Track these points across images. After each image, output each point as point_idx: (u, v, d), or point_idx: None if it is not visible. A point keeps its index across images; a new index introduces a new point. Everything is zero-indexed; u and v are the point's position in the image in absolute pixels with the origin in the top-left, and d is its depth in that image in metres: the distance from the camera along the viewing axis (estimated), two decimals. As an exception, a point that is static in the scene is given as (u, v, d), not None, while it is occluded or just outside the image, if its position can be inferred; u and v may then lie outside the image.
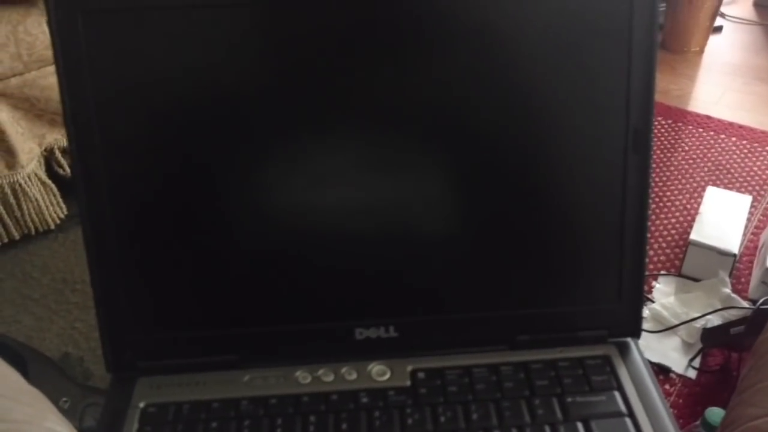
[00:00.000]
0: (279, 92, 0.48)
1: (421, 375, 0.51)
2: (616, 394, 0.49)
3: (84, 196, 0.48)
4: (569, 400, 0.49)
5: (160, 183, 0.49)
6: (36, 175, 1.11)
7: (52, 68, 1.08)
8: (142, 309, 0.50)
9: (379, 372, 0.51)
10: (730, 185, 1.20)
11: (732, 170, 1.25)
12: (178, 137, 0.48)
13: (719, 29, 1.89)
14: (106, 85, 0.46)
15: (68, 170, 1.16)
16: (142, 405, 0.49)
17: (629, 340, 0.53)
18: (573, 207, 0.51)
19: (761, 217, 1.11)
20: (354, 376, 0.51)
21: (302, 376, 0.51)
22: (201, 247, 0.50)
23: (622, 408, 0.48)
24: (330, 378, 0.51)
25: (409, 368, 0.51)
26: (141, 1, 0.45)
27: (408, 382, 0.50)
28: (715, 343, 0.85)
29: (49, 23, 0.44)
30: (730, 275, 0.94)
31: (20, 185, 1.08)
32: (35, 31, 1.02)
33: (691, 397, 0.81)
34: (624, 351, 0.52)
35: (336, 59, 0.48)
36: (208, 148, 0.48)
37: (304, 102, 0.48)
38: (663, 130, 1.38)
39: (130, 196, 0.48)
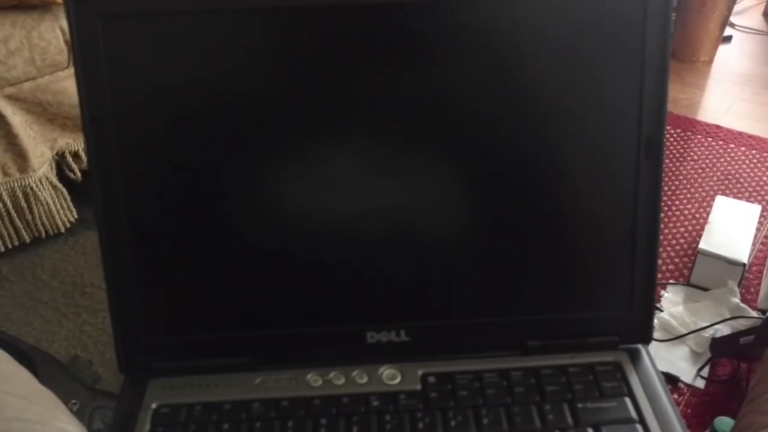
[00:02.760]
0: (292, 97, 0.48)
1: (431, 379, 0.51)
2: (627, 400, 0.49)
3: (100, 198, 0.48)
4: (580, 405, 0.49)
5: (175, 186, 0.49)
6: (47, 178, 1.12)
7: (64, 73, 1.09)
8: (155, 311, 0.51)
9: (390, 376, 0.51)
10: (740, 195, 1.20)
11: (741, 180, 1.25)
12: (193, 141, 0.48)
13: (729, 39, 1.89)
14: (123, 88, 0.47)
15: (79, 174, 1.17)
16: (154, 406, 0.49)
17: (640, 346, 0.53)
18: (585, 213, 0.51)
19: (771, 227, 1.10)
20: (365, 379, 0.51)
21: (313, 379, 0.51)
22: (214, 250, 0.50)
23: (633, 414, 0.48)
24: (341, 381, 0.51)
25: (420, 372, 0.51)
26: (158, 6, 0.46)
27: (419, 386, 0.50)
28: (724, 352, 0.85)
29: (69, 27, 0.45)
30: (740, 285, 0.94)
31: (32, 189, 1.09)
32: (49, 36, 1.03)
33: (699, 407, 0.81)
34: (635, 357, 0.52)
35: (349, 66, 0.48)
36: (222, 153, 0.49)
37: (320, 108, 0.48)
38: (672, 140, 1.38)
39: (146, 199, 0.49)
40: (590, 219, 0.51)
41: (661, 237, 1.09)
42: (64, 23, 1.04)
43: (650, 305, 0.52)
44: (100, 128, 0.47)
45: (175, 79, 0.47)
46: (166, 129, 0.48)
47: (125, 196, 0.48)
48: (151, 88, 0.47)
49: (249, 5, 0.47)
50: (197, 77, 0.47)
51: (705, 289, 0.97)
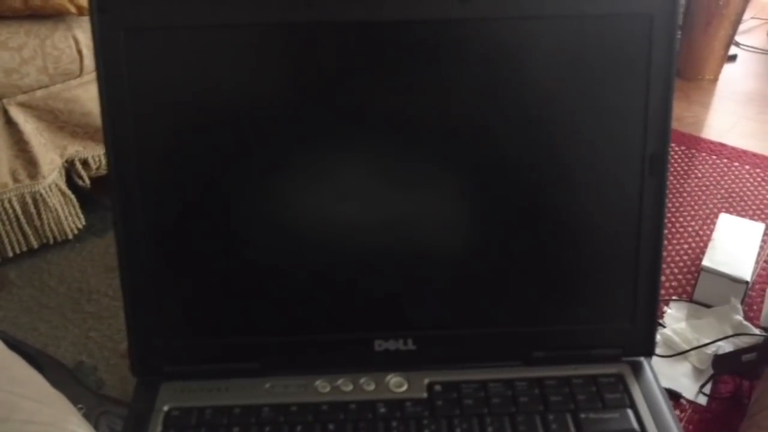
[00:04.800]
0: (307, 111, 0.49)
1: (437, 388, 0.52)
2: (629, 411, 0.50)
3: (118, 204, 0.49)
4: (583, 416, 0.49)
5: (191, 195, 0.50)
6: (56, 185, 1.12)
7: (76, 82, 1.10)
8: (168, 315, 0.52)
9: (397, 383, 0.52)
10: (743, 213, 1.21)
11: (745, 198, 1.25)
12: (208, 152, 0.50)
13: (734, 58, 1.90)
14: (143, 99, 0.48)
15: (88, 182, 1.17)
16: (166, 408, 0.50)
17: (642, 359, 0.54)
18: (590, 227, 0.52)
19: (774, 245, 1.11)
20: (372, 386, 0.52)
21: (322, 386, 0.52)
22: (227, 258, 0.51)
23: (635, 425, 0.49)
24: (349, 388, 0.52)
25: (426, 381, 0.52)
26: (179, 21, 0.47)
27: (425, 394, 0.51)
28: (726, 369, 0.85)
29: (93, 39, 0.46)
30: (742, 302, 0.94)
31: (41, 195, 1.10)
32: (62, 45, 1.04)
33: (701, 424, 0.81)
34: (637, 370, 0.53)
35: (363, 82, 0.49)
36: (236, 164, 0.50)
37: (335, 122, 0.49)
38: (677, 157, 1.39)
39: (162, 206, 0.50)
40: (595, 233, 0.52)
41: (665, 253, 1.10)
42: (78, 33, 1.05)
43: (653, 319, 0.53)
44: (119, 136, 0.48)
45: (193, 91, 0.48)
46: (183, 139, 0.49)
47: (143, 203, 0.49)
48: (170, 99, 0.48)
49: (265, 21, 0.48)
50: (215, 90, 0.49)
51: (708, 306, 0.97)
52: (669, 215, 1.19)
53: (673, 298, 1.00)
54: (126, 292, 0.50)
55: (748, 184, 1.29)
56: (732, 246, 1.00)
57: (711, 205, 1.23)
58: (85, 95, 1.11)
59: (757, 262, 0.98)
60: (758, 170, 1.34)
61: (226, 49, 0.48)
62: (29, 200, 1.09)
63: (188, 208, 0.50)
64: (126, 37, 0.47)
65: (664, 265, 1.06)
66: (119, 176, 0.49)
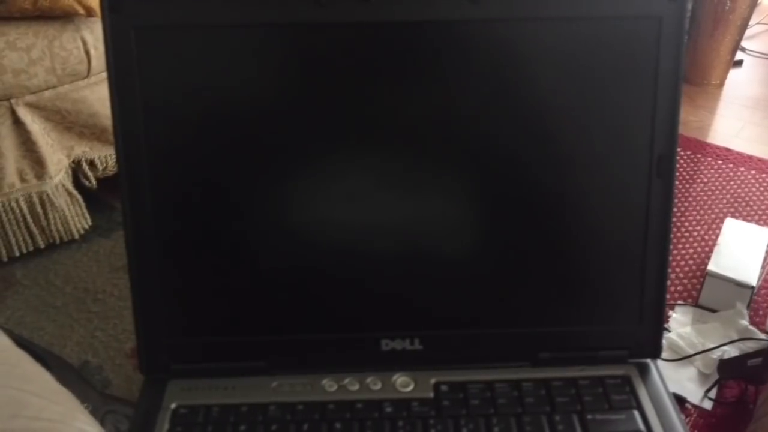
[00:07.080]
0: (315, 112, 0.50)
1: (444, 388, 0.52)
2: (636, 413, 0.50)
3: (128, 204, 0.50)
4: (589, 417, 0.49)
5: (199, 195, 0.50)
6: (63, 185, 1.13)
7: (83, 82, 1.10)
8: (176, 314, 0.52)
9: (403, 383, 0.52)
10: (749, 217, 1.21)
11: (751, 203, 1.25)
12: (218, 152, 0.50)
13: (740, 63, 1.90)
14: (154, 98, 0.48)
15: (94, 182, 1.18)
16: (173, 406, 0.50)
17: (649, 361, 0.54)
18: (597, 229, 0.52)
19: (780, 250, 1.10)
20: (379, 386, 0.52)
21: (328, 385, 0.52)
22: (235, 258, 0.51)
23: (641, 427, 0.49)
24: (355, 387, 0.52)
25: (433, 381, 0.52)
26: (189, 20, 0.48)
27: (431, 394, 0.51)
28: (731, 374, 0.84)
29: (104, 38, 0.47)
30: (748, 307, 0.94)
31: (48, 195, 1.10)
32: (70, 46, 1.05)
33: (706, 429, 0.81)
34: (644, 372, 0.53)
35: (370, 83, 0.50)
36: (245, 164, 0.50)
37: (343, 124, 0.50)
38: (682, 161, 1.38)
39: (171, 205, 0.50)
40: (603, 234, 0.52)
41: (670, 258, 1.09)
42: (86, 34, 1.05)
43: (659, 320, 0.53)
44: (130, 136, 0.49)
45: (204, 90, 0.49)
46: (193, 139, 0.50)
47: (152, 202, 0.50)
48: (181, 98, 0.49)
49: (276, 21, 0.48)
50: (225, 89, 0.49)
51: (713, 311, 0.97)
52: (675, 220, 1.19)
53: (679, 302, 1.00)
54: (134, 291, 0.51)
55: (754, 189, 1.29)
56: (738, 251, 1.00)
57: (716, 210, 1.23)
58: (93, 96, 1.11)
59: (762, 267, 0.98)
60: (764, 175, 1.34)
61: (237, 49, 0.48)
62: (36, 200, 1.10)
63: (197, 208, 0.50)
64: (137, 36, 0.47)
65: (669, 270, 1.06)
66: (129, 175, 0.49)
